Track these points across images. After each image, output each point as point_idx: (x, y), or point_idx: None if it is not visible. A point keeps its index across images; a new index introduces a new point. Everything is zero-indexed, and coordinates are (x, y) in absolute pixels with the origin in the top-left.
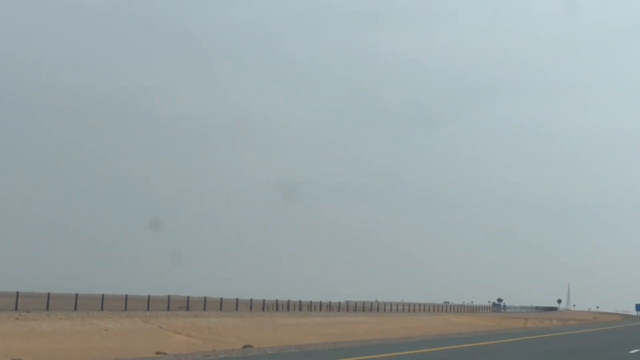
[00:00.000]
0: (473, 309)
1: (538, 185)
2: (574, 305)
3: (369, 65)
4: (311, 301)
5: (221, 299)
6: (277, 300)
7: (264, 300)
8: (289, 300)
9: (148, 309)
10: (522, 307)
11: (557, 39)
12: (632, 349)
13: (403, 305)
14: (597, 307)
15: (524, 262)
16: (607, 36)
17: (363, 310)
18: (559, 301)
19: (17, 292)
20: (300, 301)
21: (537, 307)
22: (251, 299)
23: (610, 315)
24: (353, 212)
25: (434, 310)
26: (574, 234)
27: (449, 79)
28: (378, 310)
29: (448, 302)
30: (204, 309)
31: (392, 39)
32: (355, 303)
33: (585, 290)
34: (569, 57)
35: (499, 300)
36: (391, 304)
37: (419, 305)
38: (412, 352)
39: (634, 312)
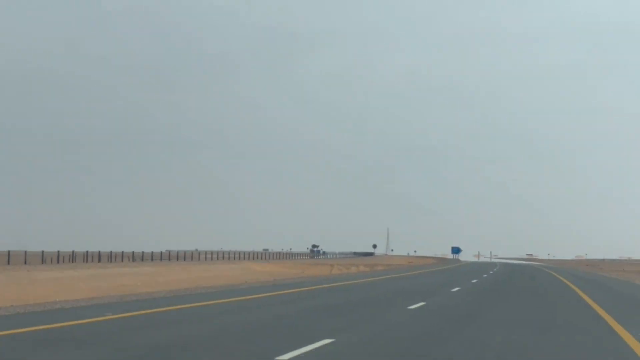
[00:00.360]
0: (290, 256)
1: (356, 132)
2: (392, 250)
3: (180, 13)
4: (123, 251)
5: None
6: (59, 252)
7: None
8: (56, 251)
9: None
10: (341, 253)
11: None
12: (415, 303)
13: (219, 253)
14: (415, 252)
15: (344, 209)
16: None
17: (177, 260)
18: (374, 246)
19: None
20: (74, 251)
21: (355, 253)
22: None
23: (425, 259)
24: (178, 162)
25: (250, 258)
26: (395, 180)
27: (262, 30)
28: (192, 259)
29: (267, 250)
30: None
31: None
32: (169, 252)
33: (405, 235)
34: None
35: (314, 246)
36: (206, 252)
37: (237, 253)
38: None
39: (450, 256)
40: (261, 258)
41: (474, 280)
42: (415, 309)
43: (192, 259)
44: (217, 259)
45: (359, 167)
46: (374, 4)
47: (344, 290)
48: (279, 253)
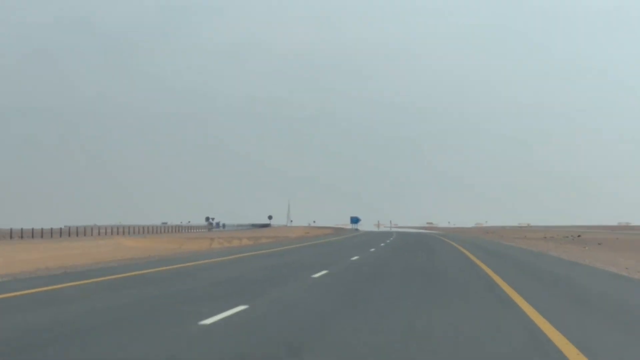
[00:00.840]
0: (188, 229)
1: (252, 97)
2: (292, 221)
3: None
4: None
5: None
6: None
7: None
8: None
9: None
10: (239, 225)
11: None
12: (226, 309)
13: (113, 228)
14: (314, 222)
15: (242, 180)
16: None
17: (63, 236)
18: (270, 217)
19: None
20: None
21: (253, 225)
22: None
23: (324, 229)
24: (76, 135)
25: (145, 232)
26: (295, 149)
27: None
28: (78, 235)
29: (166, 223)
30: None
31: None
32: (61, 228)
33: (308, 205)
34: None
35: (208, 218)
36: (99, 227)
37: (133, 227)
38: None
39: (350, 225)
40: (157, 232)
41: (354, 258)
42: (207, 327)
43: (77, 235)
44: (115, 233)
45: (260, 141)
46: None
47: (157, 282)
48: (178, 226)
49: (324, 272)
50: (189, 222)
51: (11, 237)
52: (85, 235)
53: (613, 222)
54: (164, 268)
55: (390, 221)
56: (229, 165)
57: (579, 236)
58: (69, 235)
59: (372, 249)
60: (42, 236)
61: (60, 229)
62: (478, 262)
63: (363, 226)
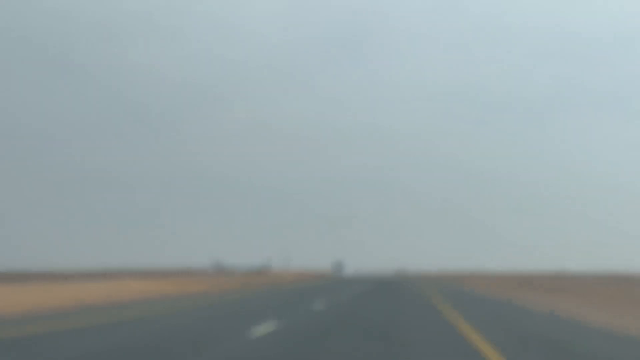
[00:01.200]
0: (203, 273)
1: (255, 171)
2: (289, 265)
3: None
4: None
5: None
6: None
7: None
8: None
9: None
10: (248, 268)
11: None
12: None
13: (142, 272)
14: (306, 266)
15: (246, 224)
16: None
17: (89, 278)
18: (269, 260)
19: None
20: None
21: (259, 268)
22: None
23: (313, 273)
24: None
25: (165, 275)
26: (289, 209)
27: (183, 85)
28: (105, 277)
29: (189, 267)
30: None
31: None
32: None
33: (307, 250)
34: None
35: (218, 263)
36: (130, 270)
37: (158, 270)
38: None
39: (335, 270)
40: (175, 275)
41: (319, 305)
42: None
43: (103, 277)
44: (127, 276)
45: (273, 190)
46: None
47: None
48: (195, 269)
49: (272, 326)
50: (204, 265)
51: (30, 278)
52: (108, 277)
53: (549, 268)
54: (77, 324)
55: (370, 266)
56: (239, 210)
57: (531, 282)
58: (94, 277)
59: (344, 294)
60: (71, 278)
61: (91, 271)
62: (451, 311)
63: (347, 270)
